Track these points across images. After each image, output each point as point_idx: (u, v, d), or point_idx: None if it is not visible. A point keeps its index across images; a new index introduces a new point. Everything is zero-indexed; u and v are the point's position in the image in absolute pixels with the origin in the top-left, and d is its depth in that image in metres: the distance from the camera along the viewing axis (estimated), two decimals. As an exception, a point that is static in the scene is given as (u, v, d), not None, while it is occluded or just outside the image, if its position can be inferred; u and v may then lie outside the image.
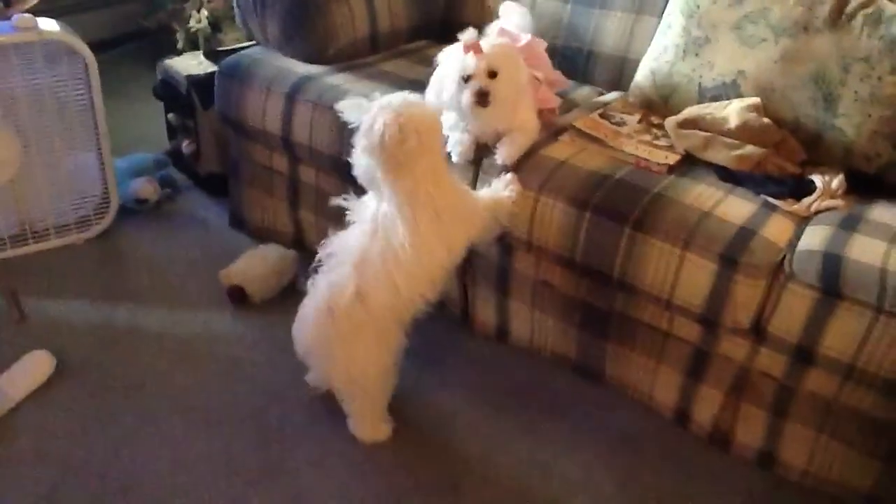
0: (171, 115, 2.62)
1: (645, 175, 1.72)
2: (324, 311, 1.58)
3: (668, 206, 1.63)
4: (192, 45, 3.05)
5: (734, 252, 1.53)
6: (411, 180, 1.52)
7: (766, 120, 1.78)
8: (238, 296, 2.09)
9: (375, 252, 1.56)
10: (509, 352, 1.99)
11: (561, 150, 1.81)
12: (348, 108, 1.63)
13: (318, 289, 1.61)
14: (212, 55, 2.58)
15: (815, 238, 1.52)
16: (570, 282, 1.81)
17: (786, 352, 1.56)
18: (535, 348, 1.96)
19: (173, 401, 1.80)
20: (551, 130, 1.88)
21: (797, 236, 1.56)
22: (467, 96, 1.70)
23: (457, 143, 1.81)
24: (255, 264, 2.12)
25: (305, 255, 2.04)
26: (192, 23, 3.02)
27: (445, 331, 2.05)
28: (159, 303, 2.11)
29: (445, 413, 1.83)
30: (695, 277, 1.57)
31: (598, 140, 1.83)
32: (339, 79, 2.07)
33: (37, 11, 2.17)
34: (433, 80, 1.81)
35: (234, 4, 2.27)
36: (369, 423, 1.73)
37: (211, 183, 2.59)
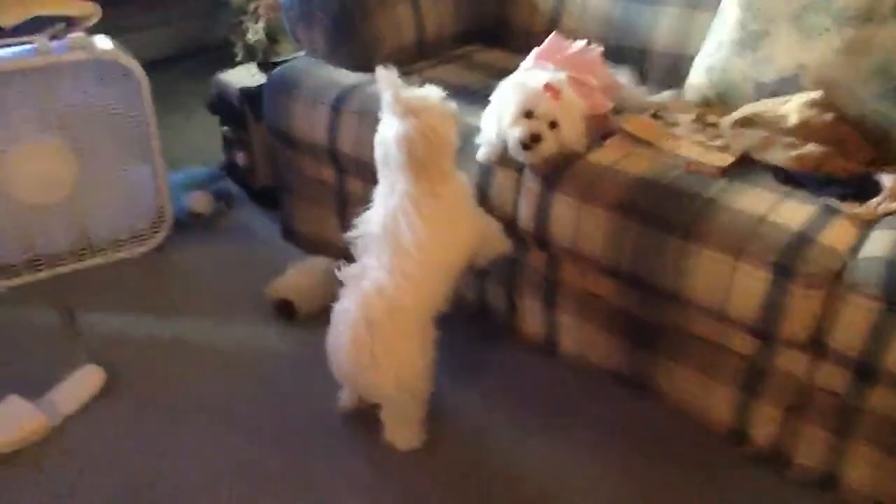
0: (225, 128, 2.64)
1: (696, 179, 1.62)
2: (361, 324, 1.56)
3: (719, 211, 1.53)
4: (251, 57, 3.07)
5: (790, 260, 1.43)
6: (425, 178, 1.57)
7: (828, 116, 1.66)
8: (286, 310, 2.09)
9: (393, 249, 1.58)
10: (557, 364, 1.92)
11: (606, 154, 1.73)
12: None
13: (349, 304, 1.59)
14: (264, 66, 2.59)
15: (879, 244, 1.40)
16: (618, 293, 1.73)
17: (848, 367, 1.45)
18: (583, 361, 1.88)
19: (218, 416, 1.80)
20: (598, 134, 1.80)
21: (860, 242, 1.44)
22: (517, 135, 1.66)
23: (489, 146, 1.76)
24: (303, 278, 2.11)
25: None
26: (249, 35, 3.04)
27: (491, 342, 2.00)
28: (210, 316, 2.12)
29: (484, 426, 1.78)
30: (748, 288, 1.47)
31: (646, 142, 1.75)
32: (383, 87, 2.04)
33: (99, 30, 2.21)
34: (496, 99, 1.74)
35: (283, 16, 2.27)
36: (410, 429, 1.71)
37: (265, 196, 2.60)
